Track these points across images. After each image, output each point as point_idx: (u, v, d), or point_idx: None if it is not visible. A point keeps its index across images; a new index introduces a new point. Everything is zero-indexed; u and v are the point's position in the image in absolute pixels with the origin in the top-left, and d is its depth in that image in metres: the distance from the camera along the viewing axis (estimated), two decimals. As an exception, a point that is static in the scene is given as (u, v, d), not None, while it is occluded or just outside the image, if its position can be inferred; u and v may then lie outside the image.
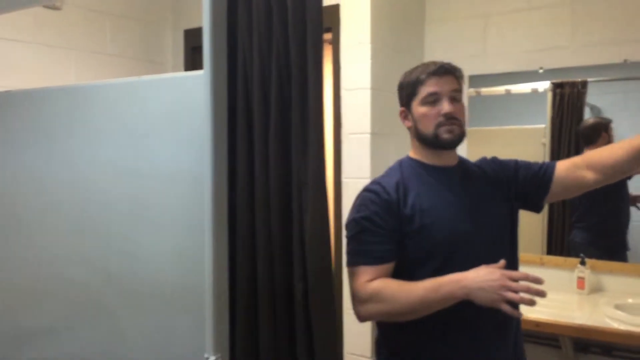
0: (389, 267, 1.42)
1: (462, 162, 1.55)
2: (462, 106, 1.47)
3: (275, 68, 1.40)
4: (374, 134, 2.49)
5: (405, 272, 1.42)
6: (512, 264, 1.45)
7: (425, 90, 1.44)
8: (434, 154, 1.48)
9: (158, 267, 1.69)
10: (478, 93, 2.84)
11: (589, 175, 1.46)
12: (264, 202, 1.45)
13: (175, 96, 1.57)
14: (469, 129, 2.81)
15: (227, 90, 1.46)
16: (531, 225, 2.74)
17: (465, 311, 1.32)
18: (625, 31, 2.44)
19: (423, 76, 1.44)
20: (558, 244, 2.74)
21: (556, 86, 2.68)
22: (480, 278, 1.26)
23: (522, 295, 1.22)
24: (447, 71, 1.44)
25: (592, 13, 2.51)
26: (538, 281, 1.25)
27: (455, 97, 1.44)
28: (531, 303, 1.22)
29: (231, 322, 1.48)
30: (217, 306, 1.48)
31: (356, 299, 1.42)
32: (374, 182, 1.50)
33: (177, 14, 3.13)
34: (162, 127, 1.61)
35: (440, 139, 1.43)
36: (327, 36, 2.65)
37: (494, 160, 1.58)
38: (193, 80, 1.49)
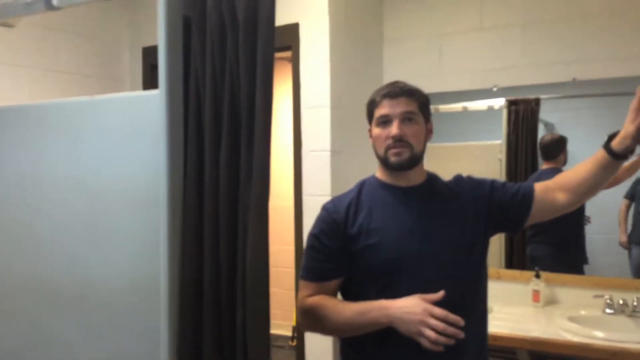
0: (330, 285, 1.45)
1: (430, 180, 1.52)
2: (419, 127, 1.43)
3: (227, 88, 1.40)
4: (334, 152, 2.51)
5: (352, 289, 1.46)
6: (475, 285, 1.44)
7: (378, 112, 1.44)
8: (393, 173, 1.47)
9: (111, 288, 1.65)
10: (436, 110, 2.89)
11: (561, 197, 1.45)
12: (213, 224, 1.44)
13: (130, 115, 1.56)
14: (427, 145, 2.86)
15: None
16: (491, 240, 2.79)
17: None
18: (573, 51, 2.53)
19: (377, 98, 1.45)
20: (519, 258, 2.79)
21: (511, 103, 2.75)
22: (404, 309, 1.29)
23: (438, 336, 1.23)
24: (400, 93, 1.42)
25: (541, 34, 2.60)
26: (457, 323, 1.25)
27: (410, 119, 1.42)
28: (438, 348, 1.23)
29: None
30: (171, 329, 1.46)
31: (298, 310, 1.48)
32: (332, 199, 1.52)
33: (134, 31, 3.10)
34: (117, 146, 1.59)
35: (389, 162, 1.42)
36: (287, 54, 2.67)
37: (469, 179, 1.54)
38: (148, 100, 1.48)
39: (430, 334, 1.23)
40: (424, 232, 1.42)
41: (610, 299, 2.35)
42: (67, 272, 1.71)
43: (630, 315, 2.30)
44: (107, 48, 3.05)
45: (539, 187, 1.49)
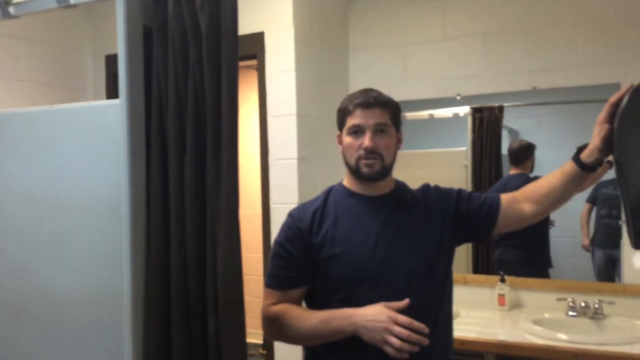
0: (294, 293, 1.43)
1: (398, 189, 1.52)
2: (390, 139, 1.43)
3: (191, 97, 1.40)
4: (301, 160, 2.51)
5: (316, 298, 1.44)
6: (440, 294, 1.44)
7: (350, 121, 1.42)
8: (361, 183, 1.46)
9: (74, 300, 1.61)
10: (403, 117, 2.90)
11: (528, 208, 1.47)
12: (179, 234, 1.42)
13: (90, 125, 1.53)
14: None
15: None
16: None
17: None
18: (533, 61, 2.59)
19: (350, 106, 1.42)
20: (484, 263, 2.83)
21: (475, 111, 2.80)
22: (367, 317, 1.29)
23: (402, 343, 1.24)
24: (374, 104, 1.40)
25: (502, 43, 2.66)
26: (422, 330, 1.26)
27: (382, 130, 1.40)
28: (403, 355, 1.25)
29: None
30: (135, 343, 1.44)
31: (261, 318, 1.45)
32: (298, 207, 1.51)
33: (96, 39, 3.06)
34: (78, 156, 1.56)
35: (360, 173, 1.41)
36: (252, 63, 2.67)
37: (436, 188, 1.56)
38: (108, 109, 1.46)
39: (395, 341, 1.24)
40: (389, 241, 1.41)
41: (573, 302, 2.40)
42: (29, 284, 1.67)
43: (592, 318, 2.35)
44: (70, 56, 2.99)
45: (505, 197, 1.50)
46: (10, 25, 2.66)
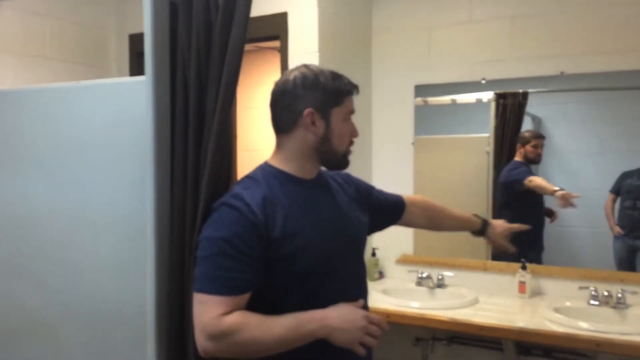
0: (245, 297, 1.23)
1: (320, 173, 1.42)
2: None
3: (212, 75, 1.39)
4: (322, 142, 2.49)
5: (267, 300, 1.26)
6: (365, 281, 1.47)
7: (349, 105, 1.34)
8: (311, 167, 1.36)
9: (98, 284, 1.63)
10: (425, 102, 2.90)
11: (421, 218, 1.71)
12: (192, 215, 1.41)
13: (115, 102, 1.53)
14: (417, 137, 2.88)
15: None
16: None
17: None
18: (561, 45, 2.54)
19: (350, 88, 1.34)
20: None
21: (499, 96, 2.76)
22: (343, 317, 1.23)
23: (374, 341, 1.24)
24: None
25: (530, 27, 2.60)
26: (385, 328, 1.28)
27: None
28: (364, 352, 1.24)
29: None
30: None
31: (204, 333, 1.19)
32: (235, 195, 1.26)
33: (121, 18, 3.07)
34: (102, 134, 1.56)
35: (347, 160, 1.38)
36: (275, 44, 2.65)
37: (349, 176, 1.55)
38: (134, 86, 1.46)
39: (372, 341, 1.24)
40: (337, 229, 1.36)
41: (595, 291, 2.37)
42: (52, 260, 1.68)
43: (614, 307, 2.32)
44: (94, 35, 3.00)
45: (407, 199, 1.68)
46: (36, 3, 2.69)
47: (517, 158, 2.75)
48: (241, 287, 1.22)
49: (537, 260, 2.67)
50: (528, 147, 2.71)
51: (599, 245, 2.62)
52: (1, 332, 1.78)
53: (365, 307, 1.38)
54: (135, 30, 2.98)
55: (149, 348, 1.44)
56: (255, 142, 3.72)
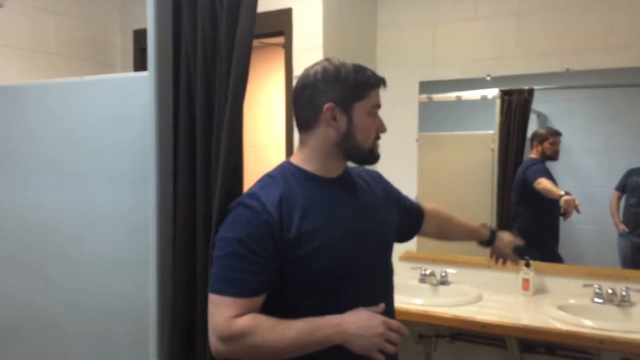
0: (259, 300, 1.21)
1: (347, 171, 1.37)
2: None
3: (219, 70, 1.38)
4: (326, 138, 2.49)
5: (287, 300, 1.24)
6: (392, 286, 1.43)
7: (373, 98, 1.28)
8: (334, 166, 1.31)
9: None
10: (430, 99, 2.89)
11: (432, 227, 1.66)
12: (204, 212, 1.41)
13: (119, 97, 1.54)
14: (421, 134, 2.87)
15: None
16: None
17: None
18: (566, 42, 2.52)
19: (373, 80, 1.28)
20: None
21: (504, 93, 2.74)
22: (360, 323, 1.17)
23: (393, 348, 1.18)
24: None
25: (535, 23, 2.59)
26: (405, 334, 1.22)
27: None
28: (382, 359, 1.18)
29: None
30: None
31: (216, 334, 1.19)
32: (251, 195, 1.24)
33: (125, 14, 3.07)
34: (105, 129, 1.57)
35: (375, 155, 1.31)
36: (280, 40, 2.65)
37: (380, 176, 1.49)
38: (137, 81, 1.46)
39: (390, 348, 1.18)
40: (359, 229, 1.30)
41: (600, 289, 2.36)
42: (56, 253, 1.69)
43: (618, 305, 2.31)
44: (99, 31, 3.01)
45: (425, 208, 1.65)
46: (41, -2, 2.69)
47: (534, 155, 2.72)
48: (254, 289, 1.19)
49: (554, 257, 2.66)
50: (546, 145, 2.68)
51: (604, 243, 2.60)
52: (5, 328, 1.79)
53: (390, 311, 1.33)
54: (139, 26, 2.98)
55: (151, 345, 1.44)
56: (260, 138, 3.73)
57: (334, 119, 1.25)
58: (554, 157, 2.68)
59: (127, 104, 1.54)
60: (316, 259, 1.21)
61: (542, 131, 2.71)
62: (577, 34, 2.50)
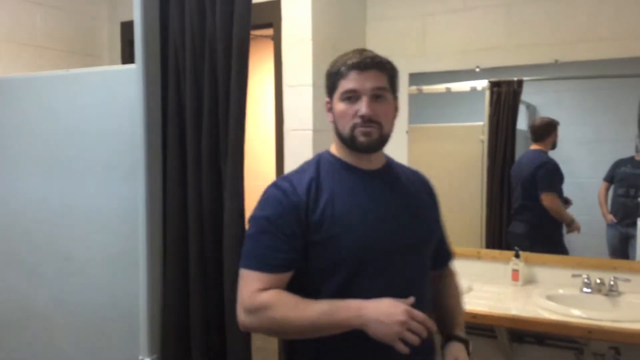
0: (285, 277, 1.26)
1: (390, 165, 1.41)
2: (388, 106, 1.31)
3: (207, 63, 1.37)
4: (316, 131, 2.49)
5: (310, 283, 1.28)
6: (428, 282, 1.40)
7: (344, 85, 1.27)
8: (354, 154, 1.33)
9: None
10: (419, 91, 2.89)
11: (436, 284, 1.52)
12: (195, 204, 1.41)
13: (106, 90, 1.52)
14: (411, 125, 2.87)
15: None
16: (471, 220, 2.81)
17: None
18: (556, 33, 2.53)
19: (344, 68, 1.27)
20: (496, 238, 2.81)
21: (494, 85, 2.75)
22: (381, 310, 1.17)
23: (417, 340, 1.15)
24: (371, 65, 1.27)
25: (525, 15, 2.59)
26: (432, 328, 1.20)
27: (379, 95, 1.28)
28: (406, 350, 1.15)
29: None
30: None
31: (242, 307, 1.25)
32: (285, 178, 1.33)
33: (112, 5, 3.04)
34: (93, 122, 1.55)
35: (356, 142, 1.28)
36: (268, 32, 2.63)
37: (429, 183, 1.51)
38: (124, 74, 1.45)
39: (413, 338, 1.15)
40: (390, 220, 1.31)
41: (588, 278, 2.38)
42: (48, 253, 1.68)
43: (606, 294, 2.34)
44: (86, 23, 2.98)
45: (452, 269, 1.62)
46: (26, -10, 2.65)
47: (541, 147, 2.68)
48: (279, 265, 1.25)
49: (562, 249, 2.65)
50: (554, 134, 2.64)
51: (592, 233, 2.63)
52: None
53: (421, 308, 1.24)
54: (126, 18, 2.95)
55: (142, 339, 1.44)
56: (249, 131, 3.70)
57: (329, 111, 1.34)
58: (554, 146, 2.68)
59: (115, 96, 1.53)
60: (334, 244, 1.25)
61: (555, 120, 2.66)
62: (566, 25, 2.50)
